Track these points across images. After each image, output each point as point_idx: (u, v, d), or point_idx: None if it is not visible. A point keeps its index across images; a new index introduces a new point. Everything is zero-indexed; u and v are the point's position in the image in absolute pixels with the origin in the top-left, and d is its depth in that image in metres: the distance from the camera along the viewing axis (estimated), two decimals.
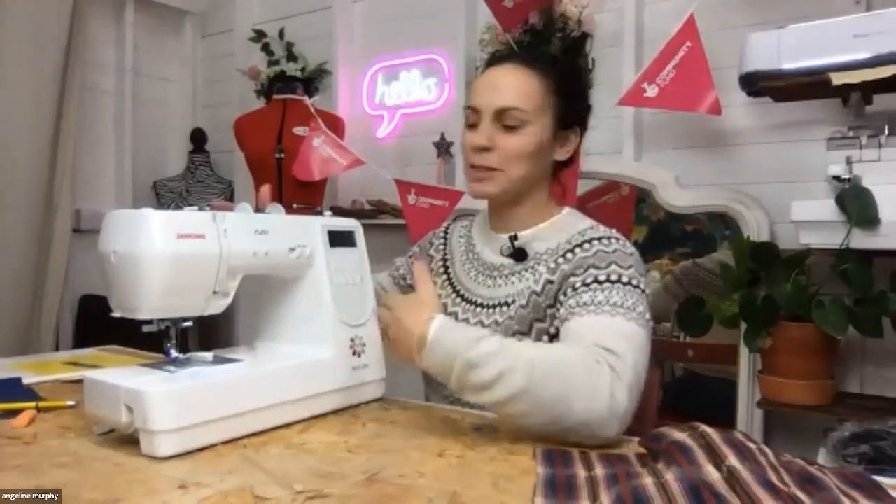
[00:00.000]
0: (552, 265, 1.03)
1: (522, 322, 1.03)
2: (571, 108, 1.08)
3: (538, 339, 1.03)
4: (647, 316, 0.96)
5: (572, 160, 1.15)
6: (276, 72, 2.73)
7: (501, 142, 1.04)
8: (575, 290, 0.98)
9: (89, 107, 2.82)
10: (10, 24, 2.42)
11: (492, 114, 1.04)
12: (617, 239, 1.03)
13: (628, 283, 0.97)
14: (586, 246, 1.02)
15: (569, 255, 1.02)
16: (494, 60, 1.11)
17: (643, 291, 0.98)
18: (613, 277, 0.97)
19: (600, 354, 0.87)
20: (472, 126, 1.07)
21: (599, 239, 1.02)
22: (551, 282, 1.02)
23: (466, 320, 1.09)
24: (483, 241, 1.15)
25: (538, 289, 1.03)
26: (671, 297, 2.31)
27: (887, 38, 1.49)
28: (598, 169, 2.09)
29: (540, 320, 1.02)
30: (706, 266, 2.23)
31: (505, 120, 1.03)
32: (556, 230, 1.08)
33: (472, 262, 1.14)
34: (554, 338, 1.01)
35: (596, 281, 0.97)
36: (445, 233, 1.24)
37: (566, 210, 1.13)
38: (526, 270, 1.06)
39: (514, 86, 1.04)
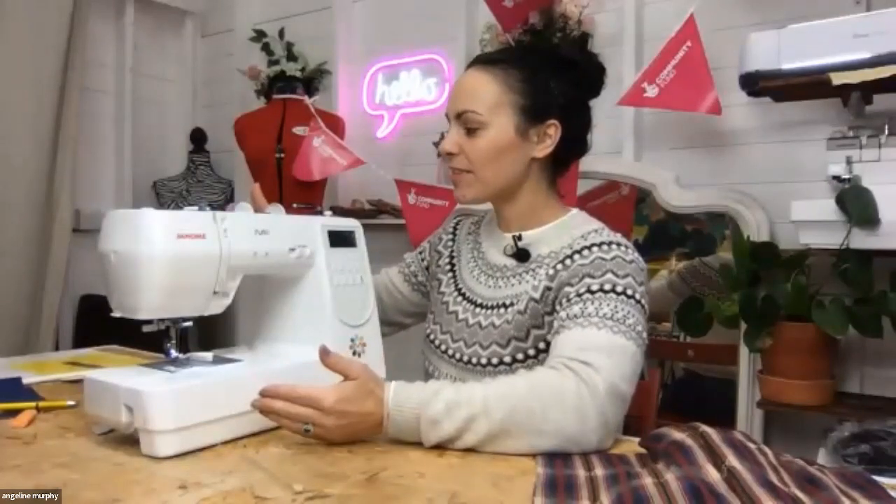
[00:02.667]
0: (551, 271, 1.02)
1: (520, 328, 1.02)
2: (538, 100, 1.04)
3: (535, 345, 1.02)
4: (639, 328, 0.93)
5: (573, 157, 1.14)
6: (276, 72, 2.73)
7: (467, 145, 1.05)
8: (569, 300, 0.97)
9: (89, 107, 2.81)
10: (10, 24, 2.42)
11: (454, 119, 1.06)
12: (618, 245, 1.01)
13: (622, 293, 0.95)
14: (585, 252, 1.00)
15: (567, 262, 1.01)
16: (466, 67, 1.11)
17: (638, 301, 0.96)
18: (607, 287, 0.96)
19: (574, 368, 0.86)
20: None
21: (600, 245, 1.01)
22: (550, 288, 1.01)
23: (466, 320, 1.09)
24: (489, 240, 1.15)
25: (537, 296, 1.02)
26: (676, 295, 2.31)
27: (887, 38, 1.50)
28: (598, 169, 2.09)
29: (538, 327, 1.02)
30: (712, 265, 2.24)
31: (465, 123, 1.04)
32: (561, 232, 1.07)
33: (476, 261, 1.14)
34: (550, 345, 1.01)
35: (589, 291, 0.96)
36: (454, 229, 1.24)
37: (573, 211, 1.11)
38: (527, 272, 1.06)
39: (469, 88, 1.05)
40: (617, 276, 0.97)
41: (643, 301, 0.97)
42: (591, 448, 0.84)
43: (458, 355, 1.09)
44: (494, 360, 1.04)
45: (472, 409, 0.82)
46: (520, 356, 1.03)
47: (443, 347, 1.12)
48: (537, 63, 1.07)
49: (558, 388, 0.84)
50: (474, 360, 1.06)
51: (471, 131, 1.04)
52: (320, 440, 0.84)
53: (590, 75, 1.09)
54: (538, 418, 0.82)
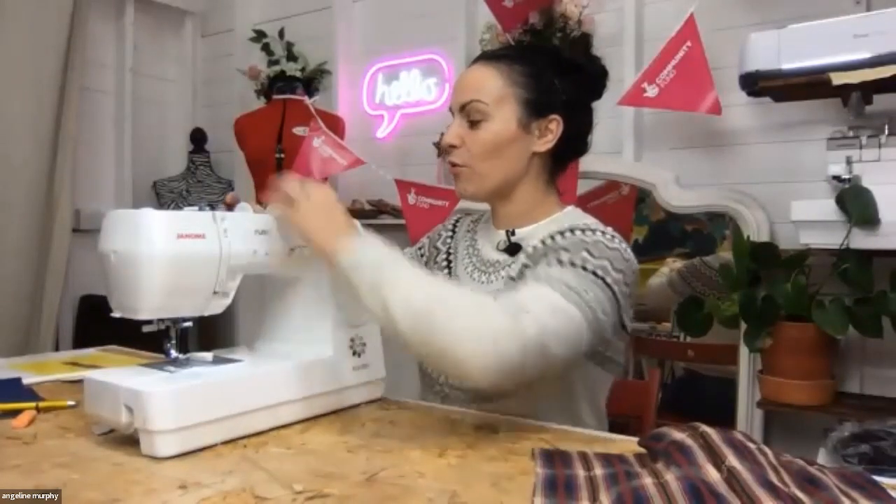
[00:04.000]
0: (530, 250, 1.04)
1: None
2: (542, 95, 1.05)
3: None
4: (595, 306, 0.91)
5: (573, 156, 1.15)
6: (276, 72, 2.73)
7: (469, 138, 1.05)
8: (537, 265, 0.98)
9: (89, 107, 2.81)
10: (10, 24, 2.42)
11: (458, 111, 1.07)
12: (604, 233, 1.01)
13: (592, 272, 0.94)
14: (568, 235, 1.01)
15: (548, 241, 1.02)
16: (471, 63, 1.12)
17: (608, 285, 0.94)
18: (577, 262, 0.95)
19: (510, 307, 0.86)
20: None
21: (584, 230, 1.01)
22: (528, 266, 1.02)
23: None
24: (484, 237, 1.15)
25: (514, 273, 1.03)
26: (675, 294, 2.31)
27: (887, 38, 1.49)
28: (598, 169, 2.09)
29: None
30: (712, 265, 2.23)
31: (469, 115, 1.05)
32: (553, 226, 1.07)
33: (470, 258, 1.15)
34: None
35: (559, 261, 0.96)
36: (454, 226, 1.24)
37: (568, 208, 1.12)
38: (515, 265, 1.06)
39: (474, 81, 1.06)
40: (592, 255, 0.96)
41: (615, 288, 0.95)
42: (483, 381, 0.84)
43: None
44: None
45: (407, 289, 0.85)
46: None
47: None
48: (541, 60, 1.08)
49: (489, 315, 0.84)
50: None
51: (474, 123, 1.05)
52: (291, 221, 0.91)
53: (592, 77, 1.10)
54: (454, 328, 0.83)
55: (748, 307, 1.63)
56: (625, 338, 1.05)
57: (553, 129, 1.06)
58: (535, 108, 1.05)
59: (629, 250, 1.02)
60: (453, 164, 1.08)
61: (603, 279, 0.94)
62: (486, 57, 1.10)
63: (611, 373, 1.07)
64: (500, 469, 0.77)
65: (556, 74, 1.06)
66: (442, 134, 2.49)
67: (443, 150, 1.10)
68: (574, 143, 1.10)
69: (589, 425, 1.06)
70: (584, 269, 0.94)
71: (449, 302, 0.85)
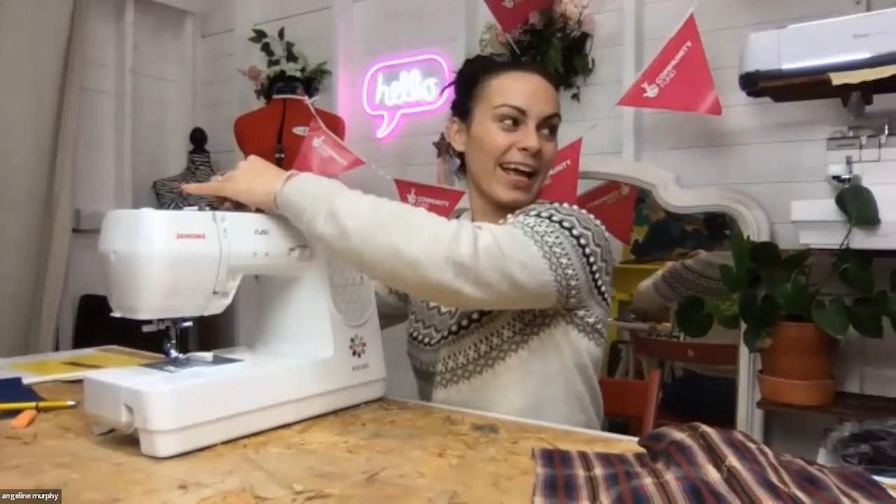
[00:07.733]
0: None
1: None
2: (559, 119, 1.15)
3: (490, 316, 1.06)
4: (557, 250, 0.94)
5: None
6: (276, 72, 2.74)
7: (545, 147, 1.11)
8: None
9: (89, 107, 2.81)
10: (10, 24, 2.42)
11: (537, 120, 1.09)
12: (580, 209, 1.05)
13: (558, 222, 0.98)
14: (539, 207, 1.05)
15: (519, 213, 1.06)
16: (519, 66, 1.15)
17: (574, 237, 0.98)
18: (545, 214, 1.00)
19: (465, 224, 0.90)
20: (511, 127, 1.09)
21: (559, 204, 1.06)
22: None
23: (438, 308, 1.15)
24: None
25: None
26: (660, 297, 2.31)
27: (887, 38, 1.49)
28: (598, 169, 2.09)
29: None
30: (693, 268, 2.23)
31: (550, 126, 1.11)
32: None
33: None
34: (517, 319, 1.04)
35: (526, 214, 1.01)
36: None
37: (556, 203, 1.14)
38: None
39: (552, 95, 1.12)
40: (560, 212, 1.01)
41: (582, 240, 0.99)
42: (440, 277, 0.84)
43: (426, 339, 1.15)
44: (445, 332, 1.10)
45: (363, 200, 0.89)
46: (464, 322, 1.07)
47: (419, 337, 1.17)
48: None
49: (444, 221, 0.89)
50: (427, 341, 1.13)
51: (549, 135, 1.11)
52: (225, 191, 0.94)
53: None
54: (409, 228, 0.86)
55: (748, 307, 1.63)
56: (604, 306, 1.08)
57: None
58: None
59: (600, 224, 1.06)
60: (526, 172, 1.09)
61: (569, 230, 0.98)
62: (545, 72, 1.15)
63: (598, 345, 1.10)
64: (500, 469, 0.77)
65: None
66: (442, 134, 2.49)
67: (515, 151, 1.11)
68: None
69: (587, 407, 1.08)
70: (551, 220, 0.99)
71: (396, 206, 0.89)
